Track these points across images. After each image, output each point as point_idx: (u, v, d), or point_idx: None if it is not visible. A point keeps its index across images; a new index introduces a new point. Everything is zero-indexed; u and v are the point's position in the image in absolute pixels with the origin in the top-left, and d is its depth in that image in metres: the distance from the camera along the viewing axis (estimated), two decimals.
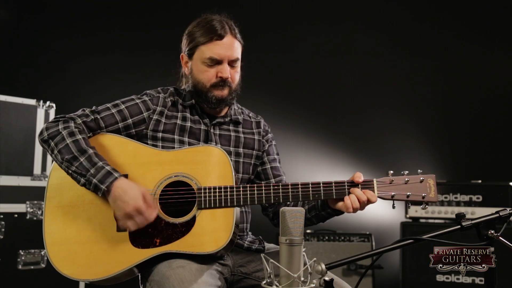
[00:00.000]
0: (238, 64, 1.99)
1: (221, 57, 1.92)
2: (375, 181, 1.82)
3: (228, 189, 1.80)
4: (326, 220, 1.98)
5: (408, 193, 1.81)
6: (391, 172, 1.83)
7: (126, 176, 1.83)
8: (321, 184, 1.81)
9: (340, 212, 1.90)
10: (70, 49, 4.35)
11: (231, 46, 1.94)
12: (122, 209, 1.73)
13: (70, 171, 1.79)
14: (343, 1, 4.63)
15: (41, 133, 1.86)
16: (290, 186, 1.82)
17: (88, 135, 1.88)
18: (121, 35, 4.52)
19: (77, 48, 4.37)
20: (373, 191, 1.81)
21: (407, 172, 1.83)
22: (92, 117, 1.90)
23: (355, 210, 1.80)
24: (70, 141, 1.80)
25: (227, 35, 1.93)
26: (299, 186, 1.82)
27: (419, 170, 1.83)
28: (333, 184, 1.81)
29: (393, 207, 1.82)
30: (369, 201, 1.80)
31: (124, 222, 1.75)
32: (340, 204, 1.83)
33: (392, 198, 1.81)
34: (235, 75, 1.98)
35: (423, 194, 1.81)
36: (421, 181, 1.82)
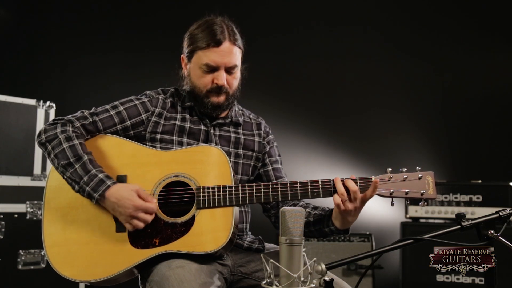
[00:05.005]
0: (236, 70, 1.95)
1: (217, 64, 1.89)
2: (373, 179, 1.81)
3: (227, 189, 1.80)
4: (328, 237, 1.98)
5: (407, 190, 1.80)
6: (390, 169, 1.82)
7: (124, 177, 1.84)
8: (320, 182, 1.81)
9: (343, 232, 1.89)
10: (70, 49, 4.35)
11: (229, 53, 1.90)
12: (123, 214, 1.74)
13: (65, 177, 1.80)
14: (344, 3, 4.63)
15: (39, 135, 1.86)
16: (288, 185, 1.82)
17: (87, 137, 1.88)
18: (121, 35, 4.52)
19: (77, 48, 4.36)
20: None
21: (405, 169, 1.82)
22: (91, 119, 1.89)
23: (346, 203, 1.77)
24: (66, 146, 1.79)
25: (225, 41, 1.89)
26: (298, 184, 1.82)
27: (417, 167, 1.83)
28: (332, 182, 1.80)
29: (392, 204, 1.82)
30: (365, 196, 1.77)
31: (130, 224, 1.75)
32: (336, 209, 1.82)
33: (391, 195, 1.80)
34: (232, 82, 1.95)
35: (422, 191, 1.80)
36: (420, 178, 1.81)
